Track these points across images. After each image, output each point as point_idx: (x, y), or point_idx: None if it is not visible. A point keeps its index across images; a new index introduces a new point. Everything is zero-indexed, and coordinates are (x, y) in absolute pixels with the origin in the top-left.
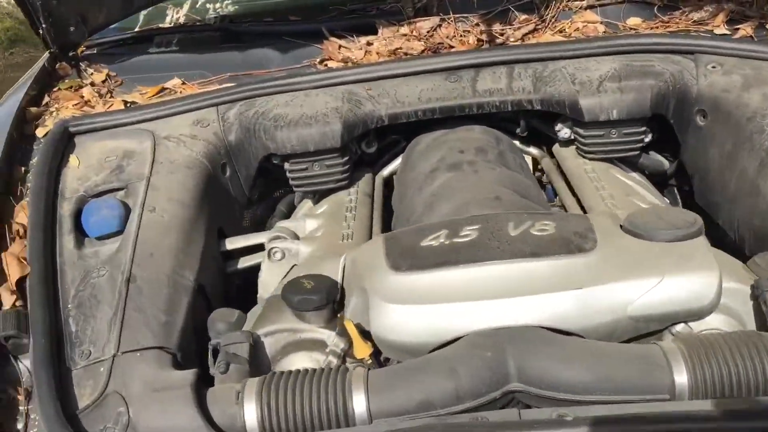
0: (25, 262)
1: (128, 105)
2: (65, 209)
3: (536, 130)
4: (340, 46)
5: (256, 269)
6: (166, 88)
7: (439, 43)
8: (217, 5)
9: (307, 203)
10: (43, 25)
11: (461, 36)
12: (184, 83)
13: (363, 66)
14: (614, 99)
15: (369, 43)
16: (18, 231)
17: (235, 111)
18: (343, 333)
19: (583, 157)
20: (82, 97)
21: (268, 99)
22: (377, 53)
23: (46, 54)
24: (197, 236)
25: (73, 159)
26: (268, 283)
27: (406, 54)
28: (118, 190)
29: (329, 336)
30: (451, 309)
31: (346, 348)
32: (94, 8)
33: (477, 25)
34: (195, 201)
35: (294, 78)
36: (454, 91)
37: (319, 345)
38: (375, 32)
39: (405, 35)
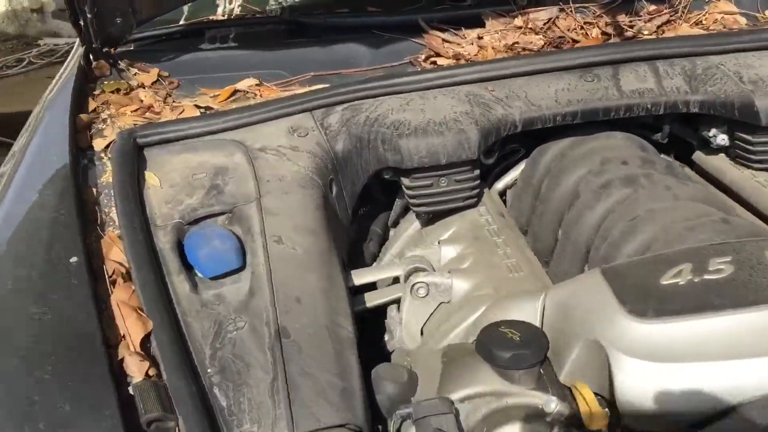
0: (142, 314)
1: (203, 111)
2: (162, 240)
3: (674, 136)
4: (443, 41)
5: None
6: (240, 91)
7: (559, 37)
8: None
9: (435, 227)
10: (88, 15)
11: (583, 29)
12: (260, 84)
13: (484, 63)
14: None
15: (480, 37)
16: (116, 271)
17: (337, 117)
18: (565, 396)
19: (747, 167)
20: (141, 101)
21: (376, 102)
22: (492, 48)
23: (80, 50)
24: (335, 272)
25: (151, 177)
26: (412, 326)
27: (524, 50)
28: (220, 214)
29: (546, 401)
30: (732, 367)
31: (569, 415)
32: None
33: (600, 16)
34: (323, 228)
35: (405, 78)
36: (595, 91)
37: (533, 413)
38: (480, 24)
39: (519, 28)
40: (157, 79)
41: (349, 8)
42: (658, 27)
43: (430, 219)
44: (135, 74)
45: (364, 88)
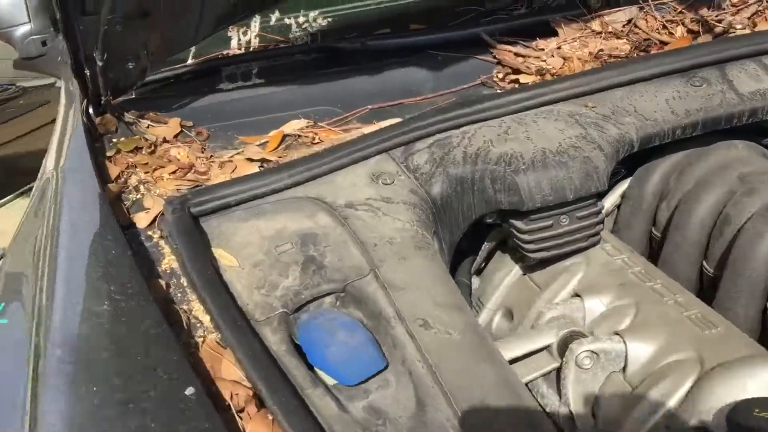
0: None
1: (260, 165)
2: (272, 340)
3: None
4: (516, 55)
5: None
6: (290, 135)
7: (645, 40)
8: (302, 20)
9: (549, 274)
10: (98, 63)
11: (666, 28)
12: (313, 125)
13: (578, 77)
14: None
15: (558, 47)
16: (240, 396)
17: (425, 156)
18: None
19: None
20: (177, 159)
21: (465, 134)
22: (578, 59)
23: (79, 106)
24: (500, 356)
25: (224, 256)
26: (582, 404)
27: (612, 57)
28: (327, 294)
29: None
30: None
31: None
32: (155, 35)
33: (681, 12)
34: (463, 299)
35: (492, 101)
36: (711, 97)
37: None
38: (551, 33)
39: (599, 33)
40: (181, 130)
41: (391, 28)
42: (749, 18)
43: (534, 265)
44: (148, 127)
45: (445, 118)
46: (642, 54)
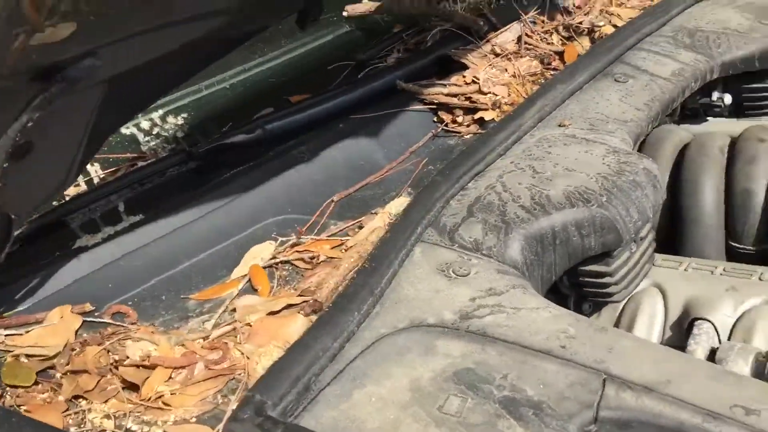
0: None
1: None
2: None
3: None
4: (449, 95)
5: None
6: (273, 265)
7: (539, 53)
8: (147, 125)
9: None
10: None
11: (545, 39)
12: (294, 242)
13: (537, 100)
14: None
15: (474, 80)
16: None
17: (476, 227)
18: None
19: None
20: (147, 358)
21: (493, 188)
22: (518, 86)
23: None
24: None
25: None
26: None
27: (533, 75)
28: None
29: None
30: None
31: None
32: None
33: (543, 22)
34: None
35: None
36: (650, 88)
37: None
38: (457, 67)
39: (500, 55)
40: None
41: (268, 105)
42: (600, 13)
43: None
44: (9, 336)
45: (458, 177)
46: (550, 66)
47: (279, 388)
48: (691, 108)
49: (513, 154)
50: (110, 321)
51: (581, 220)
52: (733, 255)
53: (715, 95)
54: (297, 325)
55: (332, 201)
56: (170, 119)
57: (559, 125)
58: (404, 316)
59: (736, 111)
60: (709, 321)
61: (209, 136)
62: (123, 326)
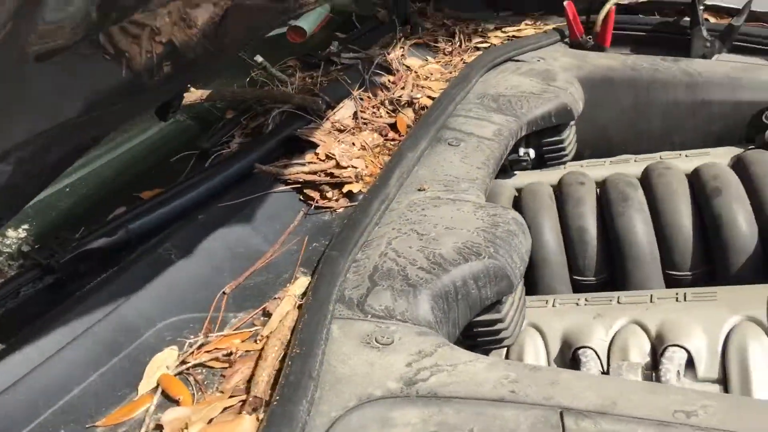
0: None
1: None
2: None
3: None
4: (310, 173)
5: None
6: (183, 371)
7: (375, 127)
8: (9, 238)
9: None
10: None
11: (378, 110)
12: (202, 342)
13: (395, 168)
14: None
15: (329, 156)
16: None
17: (385, 294)
18: None
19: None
20: None
21: (386, 255)
22: (371, 158)
23: None
24: None
25: None
26: None
27: (377, 146)
28: None
29: None
30: None
31: None
32: None
33: (369, 98)
34: None
35: (362, 218)
36: (486, 145)
37: None
38: (305, 146)
39: (344, 131)
40: None
41: (119, 205)
42: (403, 89)
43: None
44: None
45: (349, 246)
46: (388, 138)
47: None
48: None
49: (390, 221)
50: None
51: (477, 272)
52: (577, 287)
53: (522, 151)
54: (246, 426)
55: (224, 293)
56: (10, 232)
57: (419, 189)
58: (350, 394)
59: (538, 163)
60: (590, 347)
61: (63, 244)
62: None
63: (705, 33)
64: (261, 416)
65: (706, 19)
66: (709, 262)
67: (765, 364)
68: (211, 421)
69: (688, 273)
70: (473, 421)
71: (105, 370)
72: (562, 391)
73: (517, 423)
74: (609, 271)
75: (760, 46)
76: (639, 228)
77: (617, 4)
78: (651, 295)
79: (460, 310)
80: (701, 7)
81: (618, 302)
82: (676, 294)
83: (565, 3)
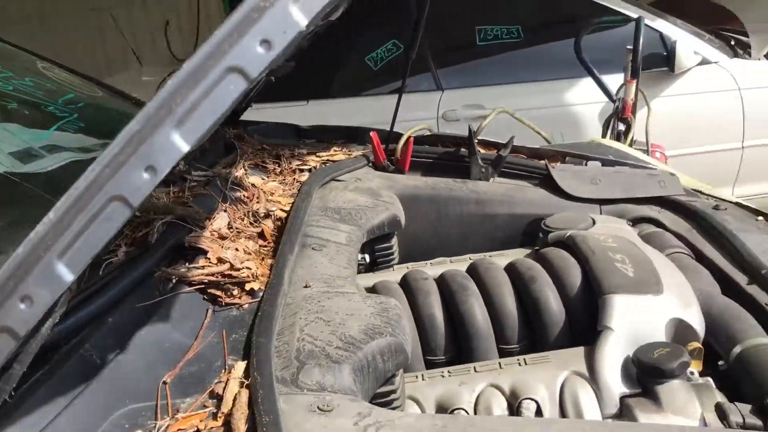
0: None
1: None
2: None
3: None
4: (209, 275)
5: None
6: None
7: (252, 235)
8: None
9: None
10: None
11: (243, 219)
12: None
13: (284, 268)
14: None
15: (224, 259)
16: None
17: (314, 371)
18: None
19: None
20: None
21: (301, 346)
22: (258, 261)
23: None
24: None
25: None
26: None
27: (261, 253)
28: None
29: None
30: None
31: None
32: None
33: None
34: None
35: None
36: (344, 252)
37: None
38: (197, 253)
39: (235, 236)
40: None
41: None
42: (266, 203)
43: None
44: None
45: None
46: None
47: None
48: None
49: (294, 312)
50: None
51: (383, 347)
52: (429, 365)
53: (359, 256)
54: None
55: (164, 383)
56: None
57: (305, 286)
58: None
59: (370, 267)
60: (461, 408)
61: None
62: None
63: (480, 161)
64: None
65: (479, 150)
66: (531, 335)
67: (591, 407)
68: None
69: (516, 345)
70: None
71: None
72: (481, 428)
73: None
74: (455, 350)
75: (521, 172)
76: (478, 312)
77: (410, 136)
78: (499, 363)
79: (370, 383)
80: (476, 140)
81: (475, 371)
82: (518, 360)
83: (370, 133)
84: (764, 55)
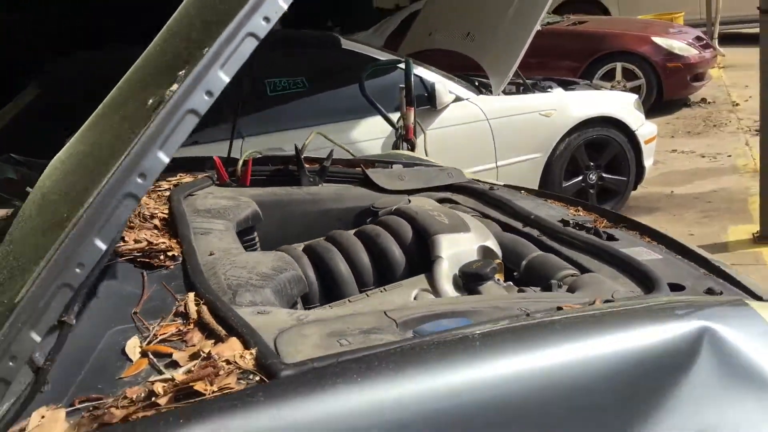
0: None
1: None
2: None
3: None
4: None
5: None
6: None
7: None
8: None
9: None
10: None
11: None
12: None
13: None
14: None
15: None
16: None
17: None
18: None
19: None
20: None
21: None
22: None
23: None
24: None
25: None
26: None
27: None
28: None
29: None
30: None
31: None
32: None
33: None
34: None
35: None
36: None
37: None
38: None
39: (141, 225)
40: None
41: None
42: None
43: None
44: None
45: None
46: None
47: None
48: None
49: (211, 268)
50: None
51: (290, 278)
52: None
53: None
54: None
55: (135, 313)
56: None
57: (210, 254)
58: (273, 330)
59: None
60: None
61: None
62: None
63: (307, 173)
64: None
65: (305, 164)
66: (381, 279)
67: None
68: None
69: (372, 287)
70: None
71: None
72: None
73: (367, 321)
74: (325, 301)
75: (342, 177)
76: (341, 265)
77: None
78: (366, 293)
79: (283, 306)
80: (303, 156)
81: (349, 302)
82: (380, 289)
83: (214, 157)
84: (501, 92)
